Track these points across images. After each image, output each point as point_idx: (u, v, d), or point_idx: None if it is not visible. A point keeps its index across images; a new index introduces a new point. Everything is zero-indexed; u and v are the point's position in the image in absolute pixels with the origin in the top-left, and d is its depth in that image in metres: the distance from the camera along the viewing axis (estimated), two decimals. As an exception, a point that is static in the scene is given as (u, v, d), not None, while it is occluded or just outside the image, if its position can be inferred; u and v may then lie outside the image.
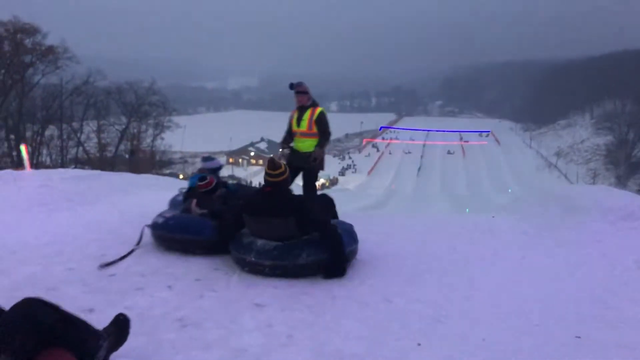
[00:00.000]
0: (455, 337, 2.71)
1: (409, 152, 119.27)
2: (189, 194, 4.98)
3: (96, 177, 7.07)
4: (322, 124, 6.45)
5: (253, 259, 3.67)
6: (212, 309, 3.05)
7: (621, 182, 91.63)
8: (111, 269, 3.75)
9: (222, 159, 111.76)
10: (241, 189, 5.52)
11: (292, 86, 6.71)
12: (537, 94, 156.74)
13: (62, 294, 3.17)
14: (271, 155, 5.10)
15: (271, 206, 3.87)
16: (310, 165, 6.24)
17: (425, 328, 2.82)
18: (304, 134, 6.45)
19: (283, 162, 4.95)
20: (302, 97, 6.55)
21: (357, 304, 3.14)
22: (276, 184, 3.96)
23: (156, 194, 6.89)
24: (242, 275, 3.67)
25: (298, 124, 6.51)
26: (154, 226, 4.47)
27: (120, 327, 2.44)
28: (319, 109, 6.58)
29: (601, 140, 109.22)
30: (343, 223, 4.20)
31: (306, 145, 6.43)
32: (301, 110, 6.54)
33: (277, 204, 3.86)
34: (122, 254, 4.20)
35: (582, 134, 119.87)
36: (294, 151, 6.57)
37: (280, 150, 6.72)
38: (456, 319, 2.94)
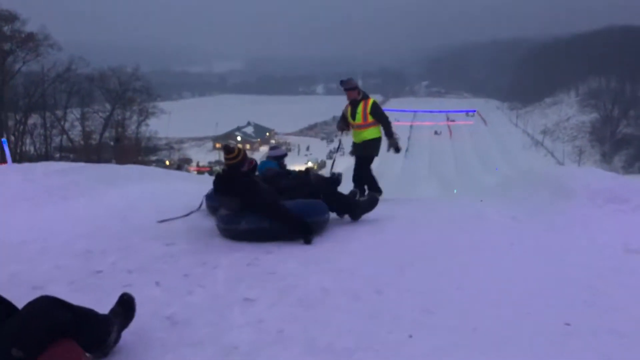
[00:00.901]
0: (447, 328, 2.71)
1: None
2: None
3: (80, 169, 6.97)
4: (377, 113, 6.99)
5: (216, 222, 4.64)
6: (202, 305, 3.03)
7: (606, 159, 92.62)
8: (98, 266, 3.71)
9: (208, 144, 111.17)
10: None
11: (341, 83, 7.23)
12: (523, 73, 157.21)
13: (48, 293, 3.12)
14: (228, 142, 5.27)
15: (224, 186, 4.57)
16: (368, 155, 6.99)
17: (417, 319, 2.81)
18: (359, 126, 6.99)
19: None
20: (352, 92, 7.02)
21: (348, 296, 3.13)
22: (230, 167, 4.61)
23: (141, 185, 6.82)
24: (231, 269, 3.64)
25: (353, 118, 7.00)
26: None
27: (125, 306, 2.59)
28: (370, 101, 7.02)
29: (587, 117, 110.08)
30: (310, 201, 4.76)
31: (363, 135, 7.00)
32: (354, 104, 7.03)
33: (227, 184, 4.55)
34: (180, 215, 5.15)
35: (567, 112, 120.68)
36: (354, 144, 7.18)
37: (341, 132, 7.46)
38: (447, 309, 2.93)
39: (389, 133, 6.99)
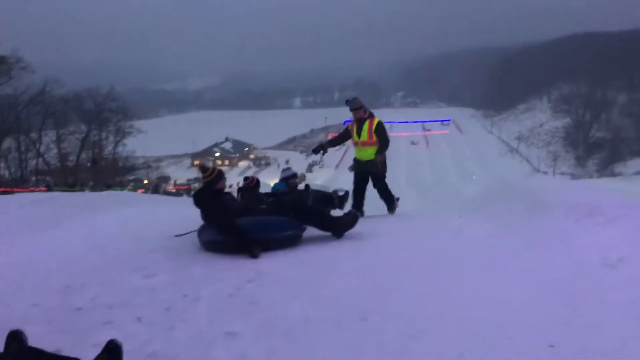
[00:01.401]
0: (433, 354, 2.71)
1: None
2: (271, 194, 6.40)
3: (57, 199, 6.86)
4: (381, 132, 7.25)
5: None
6: (185, 341, 2.99)
7: (580, 163, 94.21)
8: (77, 302, 3.64)
9: (186, 162, 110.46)
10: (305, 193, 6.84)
11: (347, 103, 7.39)
12: (495, 80, 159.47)
13: (26, 335, 3.05)
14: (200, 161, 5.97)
15: (195, 200, 5.33)
16: (375, 171, 7.26)
17: (403, 346, 2.81)
18: (365, 144, 7.27)
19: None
20: (358, 112, 7.26)
21: (332, 325, 3.11)
22: (205, 184, 5.25)
23: (119, 212, 6.74)
24: (212, 301, 3.60)
25: (359, 135, 7.25)
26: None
27: (112, 354, 2.40)
28: (376, 120, 7.30)
29: (560, 122, 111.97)
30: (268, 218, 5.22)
31: (368, 153, 7.27)
32: (360, 122, 7.28)
33: (202, 200, 5.23)
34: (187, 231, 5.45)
35: (541, 118, 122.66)
36: (357, 161, 7.44)
37: (321, 151, 7.56)
38: (432, 335, 2.93)
39: (381, 151, 7.25)
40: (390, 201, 7.59)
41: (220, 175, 5.28)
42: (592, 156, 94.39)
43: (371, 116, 7.33)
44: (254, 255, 4.74)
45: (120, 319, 3.29)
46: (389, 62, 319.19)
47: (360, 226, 5.48)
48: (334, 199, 6.94)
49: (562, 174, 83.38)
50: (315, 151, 7.63)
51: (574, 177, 77.27)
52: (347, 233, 5.40)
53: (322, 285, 3.88)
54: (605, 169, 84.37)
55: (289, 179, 7.21)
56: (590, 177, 73.90)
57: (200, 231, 5.21)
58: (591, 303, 3.28)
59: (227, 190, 5.54)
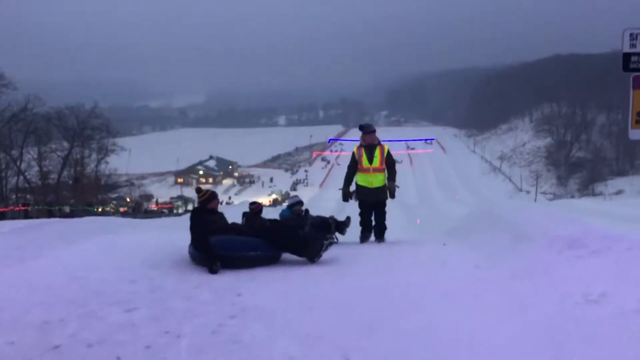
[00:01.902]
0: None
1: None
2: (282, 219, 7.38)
3: (37, 227, 6.75)
4: (391, 159, 7.33)
5: None
6: (165, 383, 2.93)
7: (562, 182, 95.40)
8: (56, 339, 3.56)
9: (170, 179, 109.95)
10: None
11: (362, 128, 7.37)
12: (478, 100, 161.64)
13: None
14: (199, 186, 6.67)
15: (190, 217, 6.06)
16: (386, 198, 7.33)
17: (386, 388, 2.78)
18: (377, 170, 7.23)
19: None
20: (372, 136, 7.27)
21: (316, 368, 3.08)
22: (199, 203, 6.08)
23: (101, 240, 6.65)
24: (194, 338, 3.54)
25: (370, 161, 7.18)
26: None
27: None
28: (386, 147, 7.37)
29: (541, 142, 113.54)
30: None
31: (379, 179, 7.26)
32: (370, 148, 7.22)
33: (191, 216, 6.04)
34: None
35: (523, 138, 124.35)
36: (363, 187, 7.33)
37: (352, 194, 7.45)
38: (415, 375, 2.92)
39: (393, 178, 7.34)
40: (384, 229, 7.56)
41: (212, 196, 6.11)
42: (573, 176, 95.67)
43: (380, 142, 7.34)
44: (212, 270, 5.34)
45: (100, 358, 3.22)
46: (373, 81, 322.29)
47: (345, 254, 5.46)
48: (331, 224, 7.26)
49: (544, 193, 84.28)
50: (346, 200, 7.59)
51: (555, 196, 78.17)
52: (333, 261, 5.38)
53: (306, 320, 3.84)
54: (586, 188, 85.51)
55: (294, 205, 7.81)
56: (572, 196, 74.80)
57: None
58: (574, 341, 3.28)
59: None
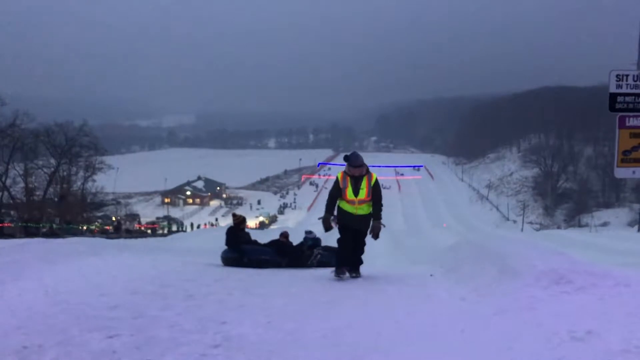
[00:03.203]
0: None
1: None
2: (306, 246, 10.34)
3: (19, 248, 6.66)
4: (377, 192, 6.80)
5: None
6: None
7: (548, 212, 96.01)
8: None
9: (157, 199, 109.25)
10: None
11: (347, 159, 6.78)
12: (466, 129, 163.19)
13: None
14: (233, 212, 10.10)
15: (229, 233, 9.94)
16: (372, 232, 6.86)
17: None
18: (362, 202, 6.75)
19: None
20: (359, 169, 6.73)
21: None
22: (235, 224, 10.06)
23: (83, 262, 6.56)
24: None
25: (356, 194, 6.67)
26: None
27: None
28: (374, 176, 6.83)
29: (529, 172, 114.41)
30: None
31: (364, 209, 6.77)
32: (357, 179, 6.71)
33: (231, 232, 9.77)
34: None
35: (510, 167, 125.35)
36: (346, 213, 6.82)
37: (332, 220, 6.92)
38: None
39: (379, 215, 6.83)
40: (360, 263, 7.15)
41: (243, 221, 10.52)
42: (560, 206, 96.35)
43: (368, 171, 6.81)
44: (243, 264, 9.19)
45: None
46: (362, 106, 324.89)
47: (331, 285, 5.42)
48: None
49: (530, 223, 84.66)
50: (328, 229, 7.06)
51: (542, 226, 78.56)
52: (318, 292, 5.33)
53: (290, 353, 3.79)
54: (573, 219, 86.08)
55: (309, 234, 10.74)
56: (558, 227, 75.24)
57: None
58: (560, 380, 3.26)
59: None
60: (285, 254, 9.68)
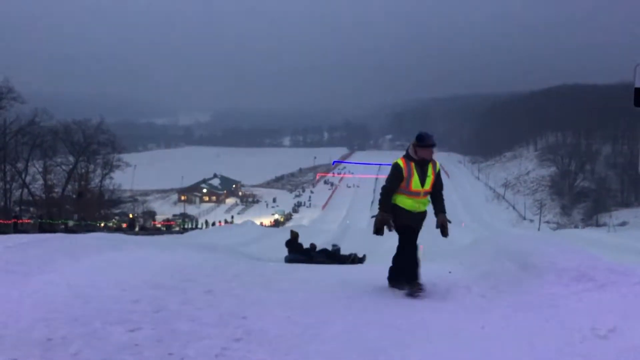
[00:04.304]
0: None
1: (358, 186, 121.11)
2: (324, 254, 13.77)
3: (42, 242, 6.75)
4: (441, 181, 5.69)
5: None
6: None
7: (566, 211, 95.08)
8: (57, 358, 3.53)
9: (173, 196, 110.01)
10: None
11: (421, 138, 5.45)
12: (483, 127, 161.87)
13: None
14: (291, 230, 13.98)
15: (290, 243, 14.11)
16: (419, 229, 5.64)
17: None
18: (427, 193, 5.53)
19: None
20: (431, 151, 5.48)
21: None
22: (292, 238, 14.13)
23: (107, 257, 6.63)
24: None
25: (423, 183, 5.40)
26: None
27: None
28: (437, 163, 5.68)
29: (545, 171, 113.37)
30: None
31: (425, 203, 5.59)
32: (422, 165, 5.44)
33: (291, 243, 14.04)
34: None
35: (527, 166, 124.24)
36: (409, 212, 5.47)
37: (388, 222, 5.45)
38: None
39: (443, 208, 5.71)
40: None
41: (297, 236, 14.10)
42: (577, 205, 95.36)
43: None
44: (313, 262, 11.63)
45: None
46: (378, 105, 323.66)
47: (348, 282, 5.42)
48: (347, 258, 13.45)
49: (547, 222, 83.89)
50: (381, 233, 5.56)
51: (559, 226, 77.81)
52: (336, 290, 5.33)
53: (310, 346, 3.80)
54: (590, 218, 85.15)
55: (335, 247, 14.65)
56: (576, 226, 74.47)
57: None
58: (583, 377, 3.24)
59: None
60: (335, 259, 12.97)
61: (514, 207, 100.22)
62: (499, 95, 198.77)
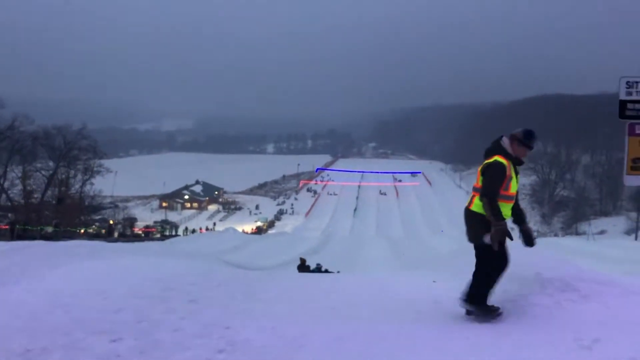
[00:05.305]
0: None
1: (335, 194, 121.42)
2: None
3: (21, 249, 6.63)
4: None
5: None
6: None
7: (546, 220, 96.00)
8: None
9: (154, 203, 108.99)
10: None
11: (530, 135, 4.88)
12: (465, 136, 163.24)
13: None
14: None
15: (300, 266, 18.59)
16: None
17: None
18: (513, 198, 4.83)
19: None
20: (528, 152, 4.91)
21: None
22: (302, 262, 18.54)
23: (88, 265, 6.52)
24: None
25: (515, 185, 4.78)
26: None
27: None
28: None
29: (526, 180, 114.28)
30: None
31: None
32: (516, 165, 4.86)
33: (301, 265, 18.42)
34: None
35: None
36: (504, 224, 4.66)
37: (509, 232, 4.71)
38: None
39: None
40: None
41: (305, 261, 18.29)
42: (558, 214, 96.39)
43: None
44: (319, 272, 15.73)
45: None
46: (361, 113, 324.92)
47: (335, 293, 5.39)
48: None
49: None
50: (502, 245, 4.67)
51: (539, 234, 78.53)
52: (322, 300, 5.31)
53: (295, 358, 3.77)
54: (570, 227, 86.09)
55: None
56: (556, 234, 75.26)
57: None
58: (569, 388, 3.25)
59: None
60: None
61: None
62: (481, 104, 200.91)
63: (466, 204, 4.97)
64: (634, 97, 5.35)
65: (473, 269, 4.97)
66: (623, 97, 5.39)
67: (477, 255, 4.82)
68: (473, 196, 4.88)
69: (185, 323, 4.59)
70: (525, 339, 4.07)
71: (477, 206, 4.75)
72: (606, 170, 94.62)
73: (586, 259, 19.53)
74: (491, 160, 4.78)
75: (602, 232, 72.38)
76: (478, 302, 4.61)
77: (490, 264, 4.65)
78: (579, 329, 4.10)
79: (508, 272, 5.35)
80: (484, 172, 4.80)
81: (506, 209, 4.70)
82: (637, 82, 5.18)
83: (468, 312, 4.72)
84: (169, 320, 4.68)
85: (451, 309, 4.96)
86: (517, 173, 4.82)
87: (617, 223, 79.65)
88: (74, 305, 4.94)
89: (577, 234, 74.20)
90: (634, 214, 75.08)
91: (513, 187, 4.71)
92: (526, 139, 4.86)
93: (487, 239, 4.57)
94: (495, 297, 4.78)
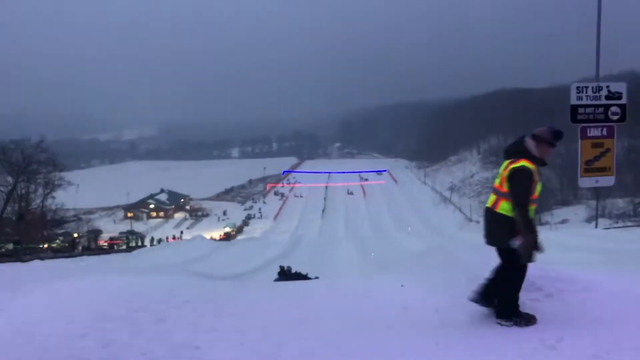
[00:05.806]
0: None
1: (301, 196, 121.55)
2: None
3: (-22, 276, 6.41)
4: None
5: None
6: None
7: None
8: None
9: (119, 214, 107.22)
10: None
11: (558, 135, 4.73)
12: (428, 133, 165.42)
13: None
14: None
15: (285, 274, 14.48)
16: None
17: None
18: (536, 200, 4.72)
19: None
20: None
21: None
22: (282, 270, 14.71)
23: (48, 288, 6.33)
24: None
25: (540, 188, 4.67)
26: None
27: None
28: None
29: (489, 173, 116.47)
30: None
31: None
32: (540, 166, 4.73)
33: (287, 274, 14.33)
34: None
35: (471, 169, 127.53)
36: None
37: (540, 244, 4.52)
38: None
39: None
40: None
41: (290, 270, 14.44)
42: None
43: None
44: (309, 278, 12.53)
45: None
46: (325, 113, 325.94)
47: (303, 300, 5.36)
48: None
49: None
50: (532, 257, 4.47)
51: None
52: (292, 312, 5.29)
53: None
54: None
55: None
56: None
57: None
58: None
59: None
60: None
61: (460, 210, 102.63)
62: (443, 101, 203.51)
63: (488, 205, 4.83)
64: (584, 101, 5.50)
65: (441, 270, 5.03)
66: (574, 102, 5.52)
67: (502, 258, 4.69)
68: (498, 199, 4.70)
69: (153, 345, 4.51)
70: (492, 341, 4.14)
71: (503, 209, 4.60)
72: (565, 161, 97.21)
73: (550, 249, 19.94)
74: (518, 165, 4.58)
75: (564, 222, 74.27)
76: (512, 314, 4.41)
77: (513, 267, 4.51)
78: (543, 329, 4.19)
79: (473, 273, 5.45)
80: (510, 178, 4.59)
81: (532, 212, 4.63)
82: (586, 87, 5.33)
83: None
84: (136, 343, 4.59)
85: (420, 314, 5.02)
86: (540, 175, 4.70)
87: (577, 212, 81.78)
88: (36, 333, 4.79)
89: (541, 224, 75.92)
90: (593, 202, 77.28)
91: (537, 191, 4.64)
92: (555, 139, 4.73)
93: (515, 243, 4.40)
94: (461, 300, 4.85)
